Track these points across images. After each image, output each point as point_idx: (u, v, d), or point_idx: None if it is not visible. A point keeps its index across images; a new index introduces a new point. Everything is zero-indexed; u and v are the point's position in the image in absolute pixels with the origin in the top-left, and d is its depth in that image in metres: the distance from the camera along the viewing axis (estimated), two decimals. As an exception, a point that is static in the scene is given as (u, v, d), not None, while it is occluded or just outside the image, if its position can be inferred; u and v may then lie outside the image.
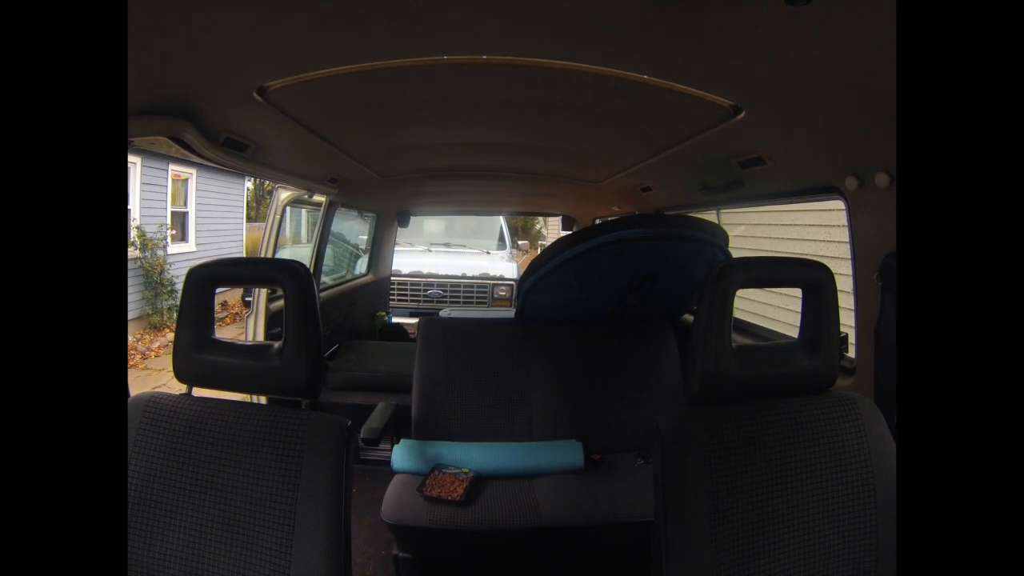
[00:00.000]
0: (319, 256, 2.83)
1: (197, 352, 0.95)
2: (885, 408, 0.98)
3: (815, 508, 0.90)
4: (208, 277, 0.95)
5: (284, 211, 2.47)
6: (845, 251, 1.41)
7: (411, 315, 4.20)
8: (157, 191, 6.88)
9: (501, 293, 4.74)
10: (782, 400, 0.95)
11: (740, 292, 0.92)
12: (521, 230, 12.15)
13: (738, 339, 1.13)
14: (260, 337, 2.33)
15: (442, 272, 4.72)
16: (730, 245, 1.88)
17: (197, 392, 0.99)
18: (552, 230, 9.97)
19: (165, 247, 6.87)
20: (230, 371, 0.95)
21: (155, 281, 6.61)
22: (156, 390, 1.00)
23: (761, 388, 0.95)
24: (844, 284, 1.07)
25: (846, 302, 1.04)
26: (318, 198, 2.68)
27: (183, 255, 7.18)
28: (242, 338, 2.65)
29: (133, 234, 6.39)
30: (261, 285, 2.11)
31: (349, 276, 3.75)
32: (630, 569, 1.33)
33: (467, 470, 1.73)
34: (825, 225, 3.66)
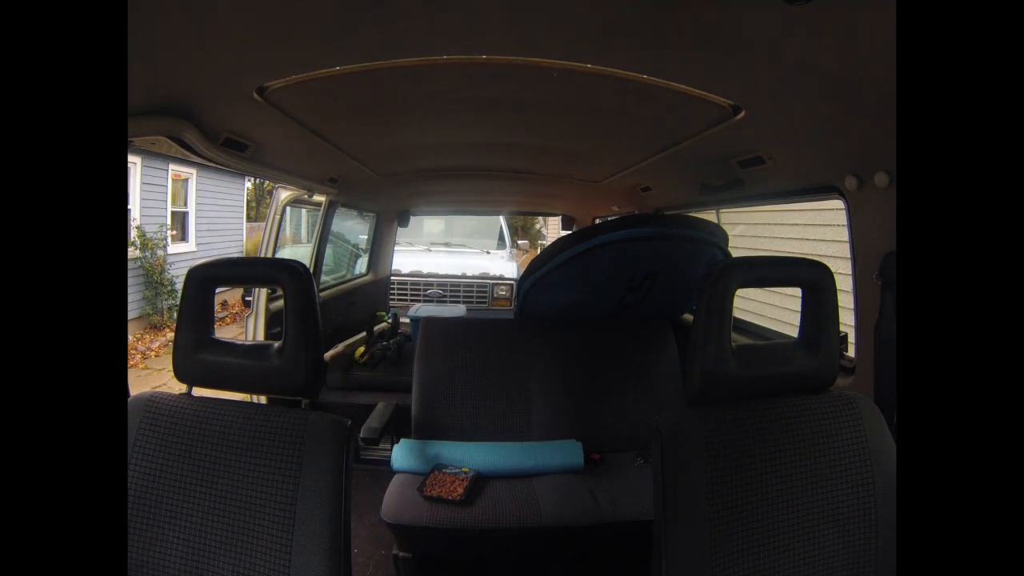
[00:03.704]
0: (319, 256, 2.83)
1: (197, 352, 0.95)
2: (884, 407, 0.98)
3: (815, 507, 0.90)
4: (208, 277, 0.95)
5: (284, 211, 2.47)
6: (843, 250, 1.41)
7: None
8: (157, 191, 6.88)
9: (501, 293, 4.74)
10: (782, 399, 0.95)
11: (740, 292, 0.93)
12: (521, 230, 12.14)
13: (738, 339, 1.13)
14: (260, 337, 2.33)
15: (442, 272, 4.72)
16: (729, 245, 1.88)
17: (197, 392, 0.99)
18: (552, 230, 9.97)
19: (165, 247, 6.88)
20: (230, 371, 0.95)
21: (155, 281, 6.61)
22: (156, 390, 1.00)
23: (761, 387, 0.95)
24: (844, 283, 1.07)
25: (845, 301, 1.04)
26: (318, 198, 2.68)
27: (183, 255, 7.19)
28: (242, 338, 2.65)
29: (133, 234, 6.39)
30: (261, 285, 2.11)
31: (349, 276, 3.75)
32: (630, 569, 1.33)
33: (467, 470, 1.73)
34: (823, 224, 3.66)
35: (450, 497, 1.61)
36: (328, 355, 2.68)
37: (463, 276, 4.73)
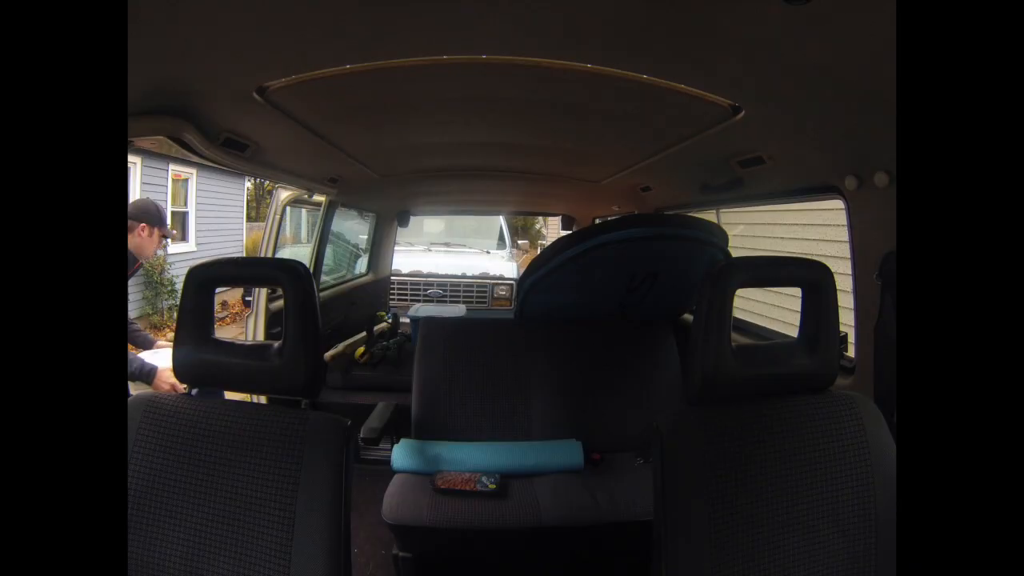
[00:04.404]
0: (319, 256, 2.83)
1: (197, 352, 0.95)
2: (884, 407, 0.98)
3: (815, 507, 0.90)
4: (208, 277, 0.95)
5: (284, 211, 2.47)
6: (843, 250, 1.41)
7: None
8: (157, 191, 6.88)
9: (501, 292, 4.74)
10: (782, 399, 0.95)
11: (740, 292, 0.93)
12: (521, 230, 12.15)
13: (738, 339, 1.13)
14: (260, 337, 2.34)
15: (442, 272, 4.71)
16: (729, 245, 1.88)
17: None
18: (552, 230, 9.97)
19: (165, 247, 6.87)
20: (230, 371, 0.95)
21: (155, 281, 6.62)
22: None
23: (761, 388, 0.95)
24: (844, 283, 1.07)
25: (845, 301, 1.04)
26: (318, 198, 2.68)
27: (183, 255, 7.19)
28: (242, 338, 2.65)
29: (133, 234, 6.38)
30: (261, 285, 2.12)
31: (349, 276, 3.75)
32: (630, 569, 1.33)
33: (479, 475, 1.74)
34: (823, 224, 3.66)
35: (465, 487, 1.62)
36: (328, 355, 2.68)
37: (463, 276, 4.73)
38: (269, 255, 2.41)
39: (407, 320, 3.23)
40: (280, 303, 1.60)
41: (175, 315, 2.64)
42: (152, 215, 1.98)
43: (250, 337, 2.36)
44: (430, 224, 5.70)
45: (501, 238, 6.04)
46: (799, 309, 0.98)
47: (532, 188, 2.99)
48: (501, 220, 6.09)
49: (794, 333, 1.01)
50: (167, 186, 7.09)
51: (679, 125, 1.46)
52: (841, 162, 1.29)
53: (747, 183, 1.74)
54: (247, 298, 2.40)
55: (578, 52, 1.03)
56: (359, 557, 1.96)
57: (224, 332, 3.22)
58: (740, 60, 0.96)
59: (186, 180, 7.59)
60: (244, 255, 8.28)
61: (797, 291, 0.98)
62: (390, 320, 3.26)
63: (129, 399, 0.96)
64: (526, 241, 10.38)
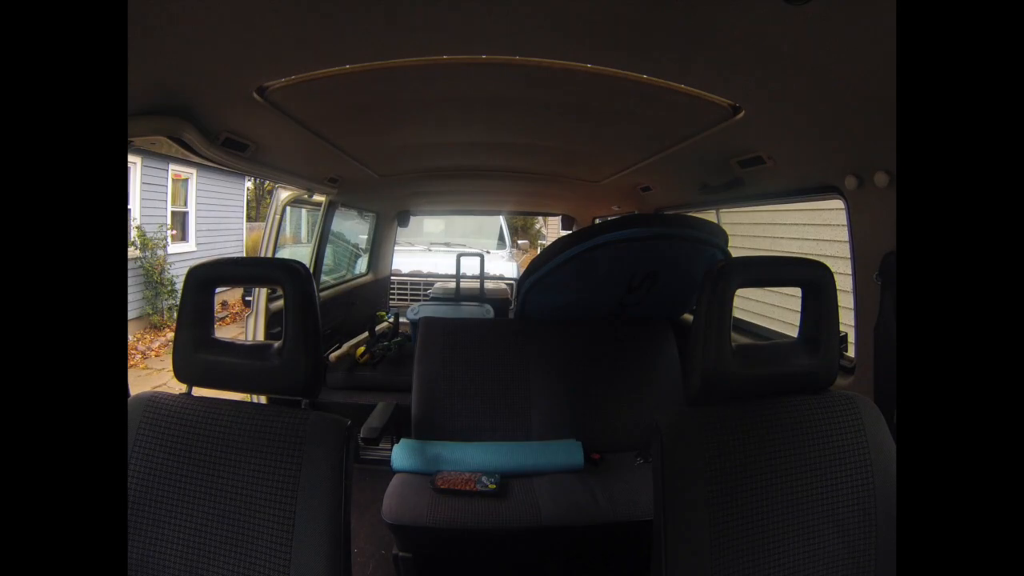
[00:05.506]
0: (319, 256, 2.83)
1: (197, 352, 0.95)
2: (884, 407, 0.98)
3: (815, 507, 0.90)
4: (208, 277, 0.95)
5: (284, 211, 2.47)
6: (843, 250, 1.41)
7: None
8: (157, 191, 6.88)
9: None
10: (782, 399, 0.95)
11: (740, 292, 0.93)
12: (521, 230, 12.14)
13: (738, 339, 1.13)
14: (260, 337, 2.34)
15: (442, 272, 4.71)
16: (729, 245, 1.88)
17: (197, 392, 0.99)
18: (552, 230, 9.97)
19: (165, 247, 6.88)
20: (230, 371, 0.95)
21: (155, 281, 6.61)
22: (156, 390, 1.00)
23: (761, 387, 0.95)
24: (844, 283, 1.07)
25: (845, 301, 1.04)
26: (318, 198, 2.69)
27: (183, 255, 7.19)
28: (242, 338, 2.65)
29: (133, 234, 6.39)
30: (261, 285, 2.12)
31: (349, 276, 3.75)
32: (630, 569, 1.33)
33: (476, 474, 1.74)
34: (823, 224, 3.66)
35: (466, 487, 1.63)
36: (334, 356, 2.69)
37: (463, 276, 4.71)
38: (269, 255, 2.42)
39: (406, 320, 3.23)
40: (280, 303, 1.60)
41: (175, 315, 2.64)
42: None
43: (250, 337, 2.36)
44: (430, 224, 5.70)
45: (501, 238, 6.04)
46: (799, 309, 0.98)
47: (532, 188, 2.99)
48: (501, 220, 6.09)
49: (794, 333, 1.01)
50: (167, 186, 7.08)
51: (679, 125, 1.46)
52: (841, 162, 1.29)
53: (747, 183, 1.74)
54: (247, 298, 2.41)
55: (578, 52, 1.03)
56: (359, 557, 1.96)
57: (224, 332, 3.22)
58: (740, 60, 0.96)
59: (186, 180, 7.59)
60: (244, 255, 8.28)
61: (797, 291, 0.98)
62: (391, 320, 3.26)
63: (129, 399, 0.96)
64: (526, 241, 10.37)
